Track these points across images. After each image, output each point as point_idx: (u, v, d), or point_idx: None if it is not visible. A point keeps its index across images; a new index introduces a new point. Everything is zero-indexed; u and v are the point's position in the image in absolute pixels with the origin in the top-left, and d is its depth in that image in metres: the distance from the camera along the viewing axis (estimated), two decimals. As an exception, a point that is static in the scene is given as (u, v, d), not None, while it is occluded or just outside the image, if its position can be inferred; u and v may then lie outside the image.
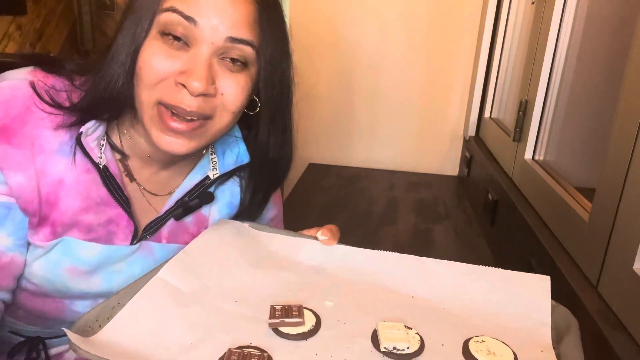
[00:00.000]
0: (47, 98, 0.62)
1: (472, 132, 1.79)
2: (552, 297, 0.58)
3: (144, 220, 0.72)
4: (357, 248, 0.66)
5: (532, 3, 1.29)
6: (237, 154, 0.77)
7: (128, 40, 0.61)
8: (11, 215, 0.63)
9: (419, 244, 1.29)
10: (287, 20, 0.69)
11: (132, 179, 0.71)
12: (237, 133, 0.77)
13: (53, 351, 0.76)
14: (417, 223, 1.45)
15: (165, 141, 0.63)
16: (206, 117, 0.64)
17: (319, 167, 1.93)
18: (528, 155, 1.18)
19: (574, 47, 1.08)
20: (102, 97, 0.63)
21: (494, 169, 1.39)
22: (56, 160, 0.63)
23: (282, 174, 0.79)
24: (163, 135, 0.63)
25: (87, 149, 0.64)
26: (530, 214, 1.05)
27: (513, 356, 0.49)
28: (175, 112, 0.61)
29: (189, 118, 0.62)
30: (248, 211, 0.79)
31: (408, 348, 0.49)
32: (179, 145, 0.63)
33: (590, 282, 0.75)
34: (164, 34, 0.60)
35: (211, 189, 0.76)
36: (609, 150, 0.74)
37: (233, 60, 0.63)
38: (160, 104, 0.61)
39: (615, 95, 0.75)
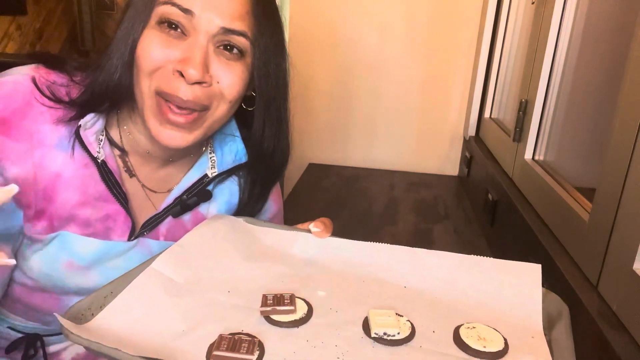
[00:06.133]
0: (47, 93, 0.63)
1: (472, 132, 1.79)
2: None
3: (142, 217, 0.72)
4: (349, 240, 0.66)
5: (532, 3, 1.29)
6: (235, 152, 0.77)
7: (126, 34, 0.62)
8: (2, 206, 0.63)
9: (419, 244, 1.29)
10: (286, 17, 0.70)
11: (131, 175, 0.72)
12: (236, 132, 0.78)
13: (51, 349, 0.77)
14: (417, 223, 1.45)
15: (164, 135, 0.64)
16: (203, 108, 0.64)
17: (319, 167, 1.93)
18: (528, 155, 1.18)
19: (574, 47, 1.08)
20: (101, 89, 0.64)
21: (494, 169, 1.39)
22: (55, 154, 0.64)
23: (279, 167, 0.79)
24: (162, 129, 0.64)
25: (86, 142, 0.64)
26: (530, 214, 1.05)
27: (504, 342, 0.50)
28: (172, 102, 0.62)
29: (186, 110, 0.63)
30: (247, 209, 0.80)
31: (399, 334, 0.49)
32: (178, 138, 0.64)
33: (590, 282, 0.75)
34: (161, 22, 0.62)
35: (210, 187, 0.76)
36: (609, 150, 0.74)
37: (230, 48, 0.64)
38: (158, 94, 0.62)
39: (615, 95, 0.75)
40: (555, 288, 0.58)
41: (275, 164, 0.78)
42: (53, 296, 0.70)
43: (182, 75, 0.61)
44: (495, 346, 0.49)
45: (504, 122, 1.58)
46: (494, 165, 1.42)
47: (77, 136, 0.64)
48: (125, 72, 0.63)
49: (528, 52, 1.24)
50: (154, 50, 0.61)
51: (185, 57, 0.61)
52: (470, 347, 0.49)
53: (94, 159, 0.65)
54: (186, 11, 0.60)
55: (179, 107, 0.62)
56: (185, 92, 0.61)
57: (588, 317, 0.67)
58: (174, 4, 0.61)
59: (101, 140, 0.67)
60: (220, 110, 0.66)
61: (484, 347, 0.49)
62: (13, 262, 0.64)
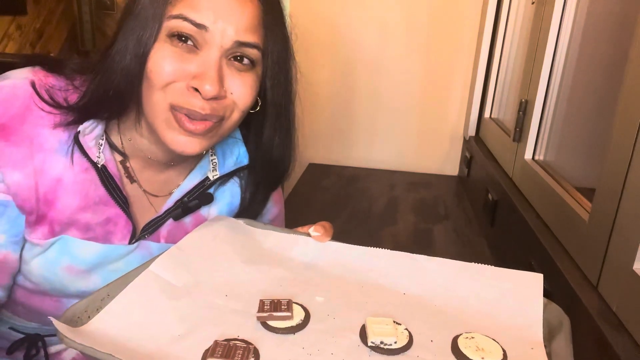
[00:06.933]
0: (46, 97, 0.63)
1: (472, 132, 1.79)
2: (552, 298, 0.58)
3: (143, 220, 0.72)
4: (349, 245, 0.66)
5: (532, 3, 1.29)
6: (237, 155, 0.77)
7: (133, 44, 0.60)
8: (7, 213, 0.63)
9: (419, 244, 1.29)
10: (287, 19, 0.70)
11: (132, 180, 0.71)
12: (237, 134, 0.78)
13: (52, 349, 0.77)
14: (417, 223, 1.45)
15: (180, 142, 0.63)
16: (220, 119, 0.64)
17: (319, 167, 1.93)
18: (528, 155, 1.18)
19: (574, 47, 1.08)
20: (102, 98, 0.63)
21: (494, 169, 1.39)
22: (55, 158, 0.63)
23: (283, 172, 0.79)
24: (179, 137, 0.63)
25: (85, 147, 0.64)
26: (530, 214, 1.05)
27: (502, 353, 0.49)
28: (190, 115, 0.62)
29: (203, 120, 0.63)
30: (248, 211, 0.79)
31: (395, 343, 0.49)
32: (193, 145, 0.64)
33: (590, 282, 0.75)
34: (172, 35, 0.60)
35: (211, 190, 0.76)
36: (609, 150, 0.74)
37: (240, 59, 0.63)
38: (174, 107, 0.62)
39: (615, 95, 0.75)
40: (556, 288, 0.58)
41: (280, 169, 0.78)
42: (54, 299, 0.70)
43: (197, 90, 0.60)
44: (494, 357, 0.48)
45: (504, 122, 1.58)
46: (494, 165, 1.41)
47: (77, 141, 0.64)
48: (129, 83, 0.61)
49: (528, 52, 1.24)
50: (167, 64, 0.60)
51: (199, 72, 0.60)
52: (468, 358, 0.48)
53: (94, 164, 0.65)
54: (199, 26, 0.60)
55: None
56: (203, 106, 0.61)
57: (588, 317, 0.67)
58: (186, 19, 0.59)
59: (101, 145, 0.66)
60: (233, 118, 0.66)
61: (482, 358, 0.48)
62: None
